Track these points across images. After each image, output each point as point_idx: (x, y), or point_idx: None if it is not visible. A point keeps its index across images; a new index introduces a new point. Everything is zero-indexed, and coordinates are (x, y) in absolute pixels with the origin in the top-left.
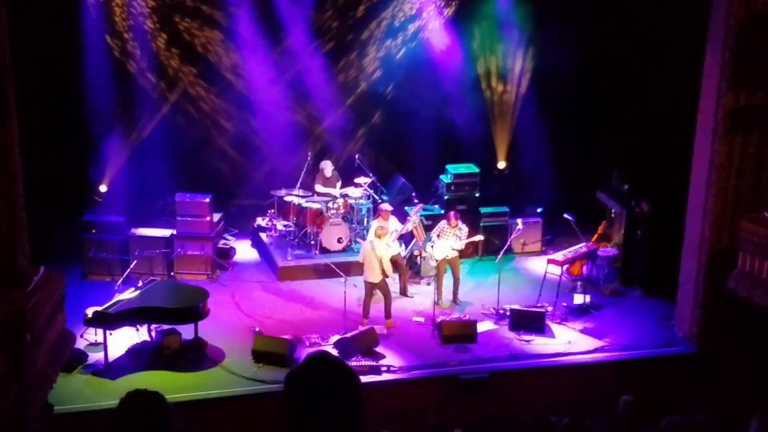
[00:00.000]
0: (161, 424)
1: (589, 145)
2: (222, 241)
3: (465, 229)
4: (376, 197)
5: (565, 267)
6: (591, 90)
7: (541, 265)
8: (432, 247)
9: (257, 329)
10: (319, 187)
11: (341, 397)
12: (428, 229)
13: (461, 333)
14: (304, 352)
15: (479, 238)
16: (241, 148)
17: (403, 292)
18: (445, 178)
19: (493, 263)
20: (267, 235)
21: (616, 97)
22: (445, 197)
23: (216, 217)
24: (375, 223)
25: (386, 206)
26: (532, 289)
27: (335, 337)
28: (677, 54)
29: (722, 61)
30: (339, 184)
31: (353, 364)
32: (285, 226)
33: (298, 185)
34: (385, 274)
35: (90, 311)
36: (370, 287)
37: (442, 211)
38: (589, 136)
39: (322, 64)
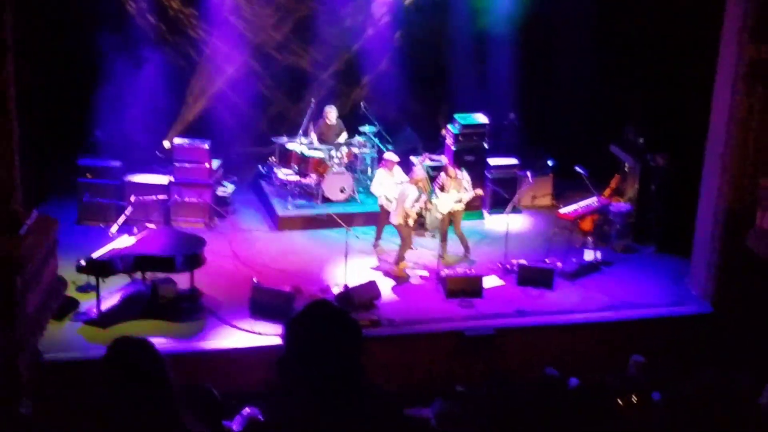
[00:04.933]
0: (151, 370)
1: (604, 97)
2: (221, 189)
3: (467, 177)
4: (381, 146)
5: (576, 222)
6: (607, 39)
7: (552, 220)
8: (437, 198)
9: (255, 279)
10: (314, 137)
11: (342, 344)
12: (433, 181)
13: (466, 288)
14: (302, 304)
15: (478, 192)
16: (243, 93)
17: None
18: (453, 128)
19: (502, 217)
20: (267, 184)
21: (633, 47)
22: (453, 148)
23: (215, 163)
24: (380, 172)
25: (392, 156)
26: (540, 244)
27: (336, 288)
28: (697, 3)
29: (743, 11)
30: (344, 134)
31: (354, 317)
32: (286, 174)
33: (300, 132)
34: (406, 220)
35: (83, 259)
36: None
37: (447, 163)
38: (604, 87)
39: (328, 6)
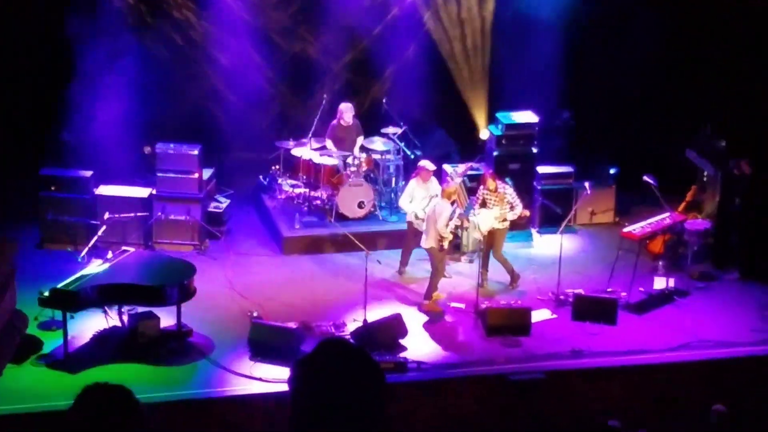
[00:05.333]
0: (127, 424)
1: (678, 92)
2: (213, 204)
3: (510, 191)
4: (408, 152)
5: (643, 242)
6: (679, 23)
7: (614, 240)
8: (476, 215)
9: (255, 314)
10: (329, 143)
11: (361, 392)
12: (472, 194)
13: (510, 323)
14: (313, 343)
15: (525, 213)
16: (239, 88)
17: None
18: (495, 130)
19: (554, 237)
20: (270, 198)
21: (711, 32)
22: (495, 153)
23: (206, 173)
24: (412, 184)
25: (428, 164)
26: (601, 269)
27: (353, 325)
28: None
29: None
30: (361, 137)
31: (375, 359)
32: (293, 186)
33: (310, 135)
34: (440, 244)
35: (47, 290)
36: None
37: (486, 172)
38: (678, 81)
39: None
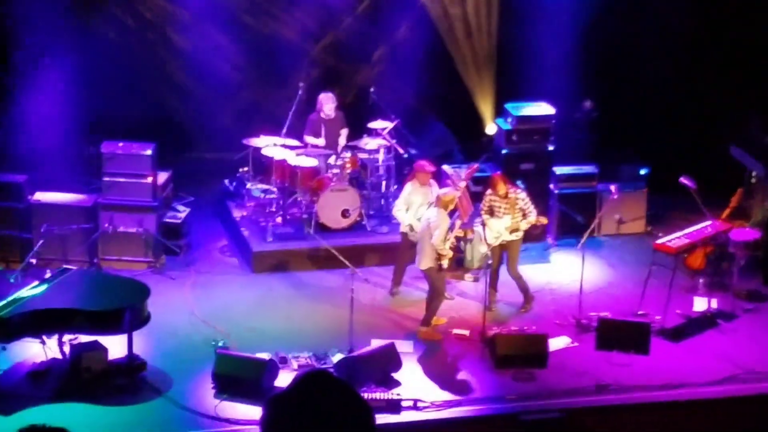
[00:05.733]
0: None
1: (720, 78)
2: (170, 214)
3: (523, 195)
4: (401, 151)
5: (680, 256)
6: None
7: (646, 253)
8: (483, 226)
9: (221, 343)
10: (309, 138)
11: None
12: (476, 199)
13: (524, 353)
14: (289, 378)
15: (541, 220)
16: (201, 76)
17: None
18: (504, 124)
19: (573, 249)
20: (237, 206)
21: (761, 7)
22: (503, 151)
23: (162, 177)
24: (408, 188)
25: (426, 165)
26: (630, 289)
27: (337, 356)
28: None
29: None
30: (345, 132)
31: (363, 395)
32: (264, 191)
33: (285, 131)
34: (438, 263)
35: None
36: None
37: (496, 173)
38: (720, 65)
39: None
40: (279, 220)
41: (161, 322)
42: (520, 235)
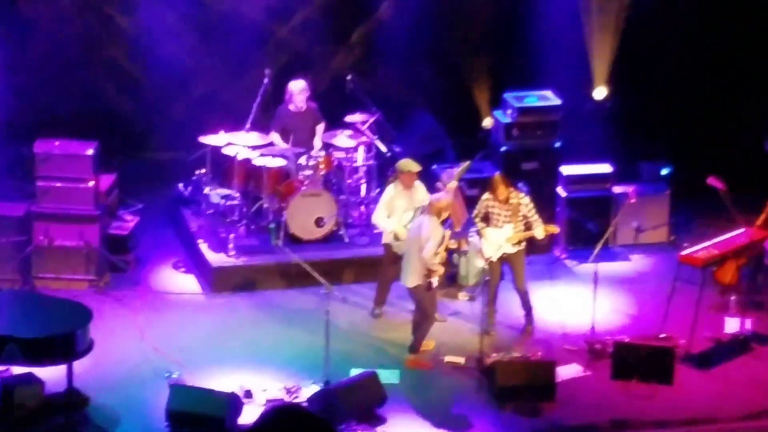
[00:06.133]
0: None
1: (752, 65)
2: (116, 224)
3: (526, 200)
4: (384, 149)
5: (709, 270)
6: None
7: (669, 267)
8: (478, 236)
9: (175, 374)
10: (275, 137)
11: None
12: (471, 205)
13: (528, 383)
14: (256, 413)
15: (549, 229)
16: (150, 63)
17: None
18: (503, 117)
19: (585, 263)
20: (194, 214)
21: None
22: (503, 149)
23: (105, 181)
24: (390, 191)
25: (410, 164)
26: (651, 308)
27: (311, 389)
28: None
29: None
30: (320, 127)
31: None
32: (225, 197)
33: (248, 126)
34: (428, 280)
35: None
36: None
37: (497, 174)
38: (752, 48)
39: None
40: (242, 230)
41: (106, 351)
42: (522, 246)
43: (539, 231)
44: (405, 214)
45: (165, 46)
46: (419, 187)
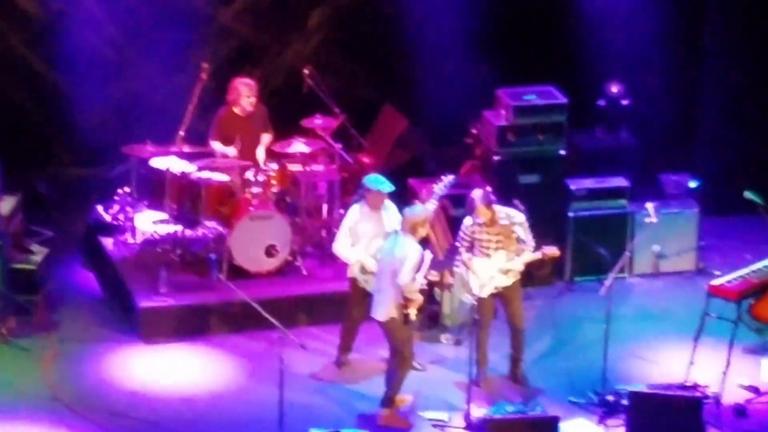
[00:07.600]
0: None
1: None
2: (22, 257)
3: (521, 218)
4: (349, 160)
5: (745, 303)
6: None
7: (698, 298)
8: (465, 267)
9: None
10: (217, 145)
11: None
12: (455, 226)
13: None
14: None
15: (549, 252)
16: (63, 57)
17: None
18: (495, 118)
19: (595, 294)
20: (117, 243)
21: None
22: (495, 157)
23: (7, 204)
24: (355, 213)
25: (379, 181)
26: (675, 349)
27: None
28: None
29: None
30: (267, 136)
31: None
32: (155, 222)
33: (183, 133)
34: (404, 312)
35: None
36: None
37: (475, 191)
38: None
39: None
40: (176, 263)
41: (10, 414)
42: (517, 276)
43: (524, 259)
44: (373, 241)
45: (80, 36)
46: (390, 207)
